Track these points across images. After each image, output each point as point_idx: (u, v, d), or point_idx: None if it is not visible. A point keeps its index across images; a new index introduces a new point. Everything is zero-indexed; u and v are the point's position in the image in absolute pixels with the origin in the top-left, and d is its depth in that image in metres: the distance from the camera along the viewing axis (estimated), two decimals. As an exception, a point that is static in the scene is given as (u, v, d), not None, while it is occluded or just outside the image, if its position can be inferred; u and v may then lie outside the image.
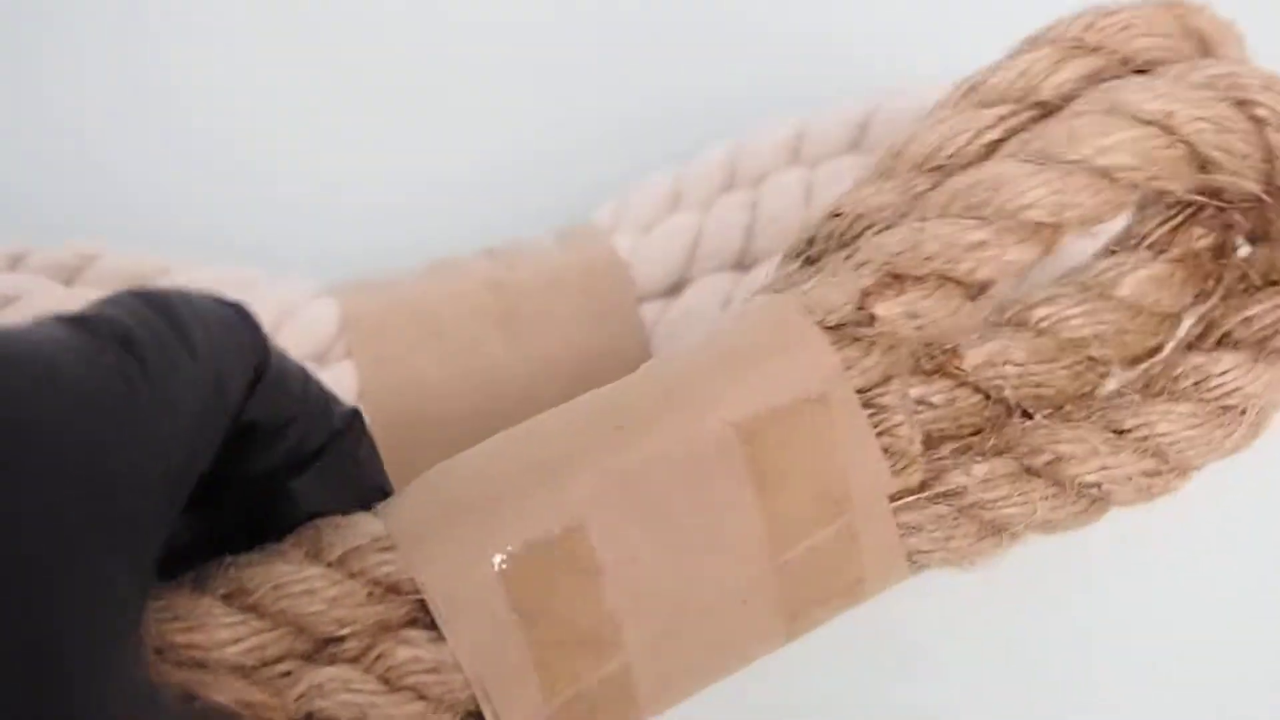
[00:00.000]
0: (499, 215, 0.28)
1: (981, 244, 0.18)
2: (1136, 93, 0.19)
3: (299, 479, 0.17)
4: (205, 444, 0.15)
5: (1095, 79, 0.20)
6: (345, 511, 0.18)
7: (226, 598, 0.16)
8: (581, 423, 0.18)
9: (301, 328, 0.24)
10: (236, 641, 0.16)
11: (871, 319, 0.18)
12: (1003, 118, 0.19)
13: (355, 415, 0.18)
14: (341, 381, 0.24)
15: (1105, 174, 0.18)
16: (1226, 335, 0.20)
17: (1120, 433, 0.20)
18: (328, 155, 0.29)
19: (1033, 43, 0.20)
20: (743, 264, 0.26)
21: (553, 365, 0.25)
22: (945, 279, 0.18)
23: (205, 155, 0.29)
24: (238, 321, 0.16)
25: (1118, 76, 0.20)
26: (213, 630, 0.16)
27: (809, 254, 0.20)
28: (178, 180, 0.28)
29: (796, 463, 0.18)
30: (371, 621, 0.17)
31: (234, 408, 0.15)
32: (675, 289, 0.26)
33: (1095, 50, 0.20)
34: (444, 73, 0.29)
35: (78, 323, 0.14)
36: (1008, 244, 0.18)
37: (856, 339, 0.18)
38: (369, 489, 0.18)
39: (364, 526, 0.17)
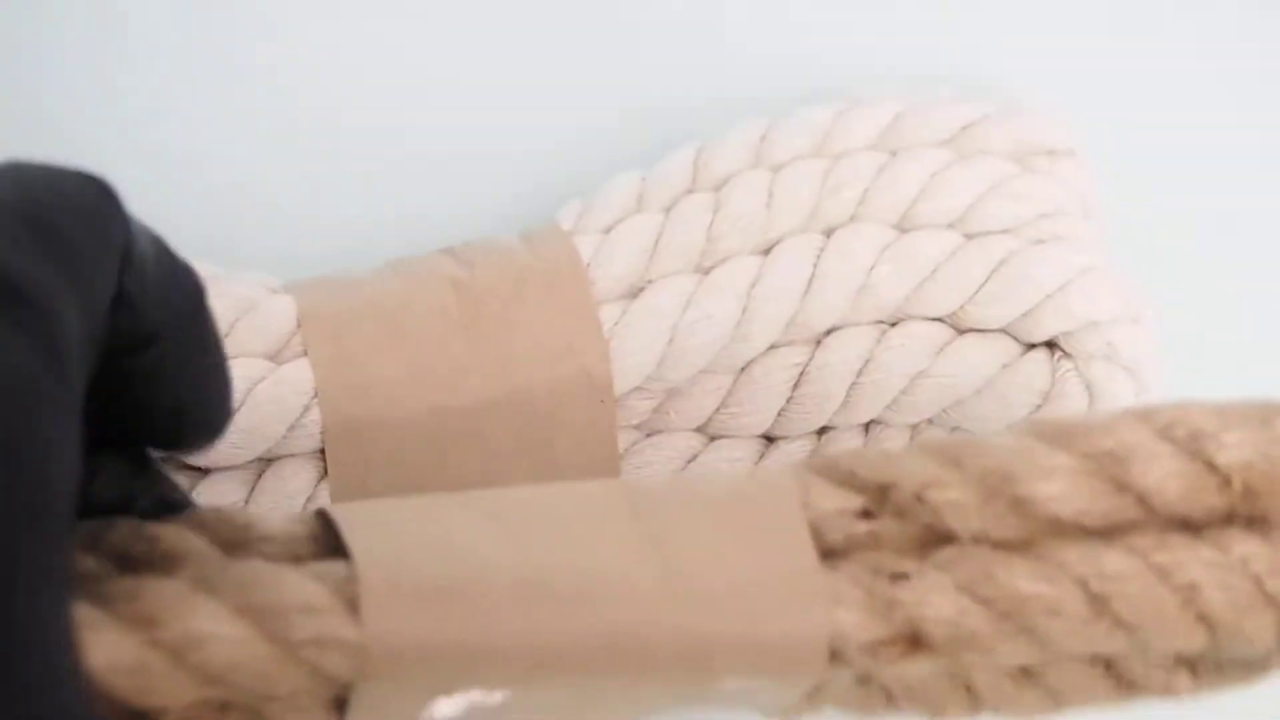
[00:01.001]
0: (464, 214, 0.28)
1: None
2: None
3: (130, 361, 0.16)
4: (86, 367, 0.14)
5: None
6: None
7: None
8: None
9: (258, 324, 0.24)
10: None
11: None
12: None
13: (199, 293, 0.17)
14: (298, 379, 0.24)
15: None
16: None
17: None
18: (290, 152, 0.28)
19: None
20: (702, 266, 0.26)
21: (512, 366, 0.25)
22: None
23: (168, 152, 0.28)
24: (106, 209, 0.15)
25: None
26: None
27: None
28: (139, 174, 0.28)
29: None
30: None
31: (104, 313, 0.14)
32: (635, 290, 0.26)
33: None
34: (411, 71, 0.29)
35: None
36: None
37: None
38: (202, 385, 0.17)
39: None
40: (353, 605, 0.16)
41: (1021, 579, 0.18)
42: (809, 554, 0.18)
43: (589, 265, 0.26)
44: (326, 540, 0.17)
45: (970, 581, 0.18)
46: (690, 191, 0.27)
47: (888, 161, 0.26)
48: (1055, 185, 0.27)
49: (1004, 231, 0.26)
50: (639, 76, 0.29)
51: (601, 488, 0.19)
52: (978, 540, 0.18)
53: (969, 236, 0.26)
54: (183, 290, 0.17)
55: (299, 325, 0.24)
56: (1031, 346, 0.26)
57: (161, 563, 0.16)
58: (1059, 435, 0.18)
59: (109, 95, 0.28)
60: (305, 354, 0.24)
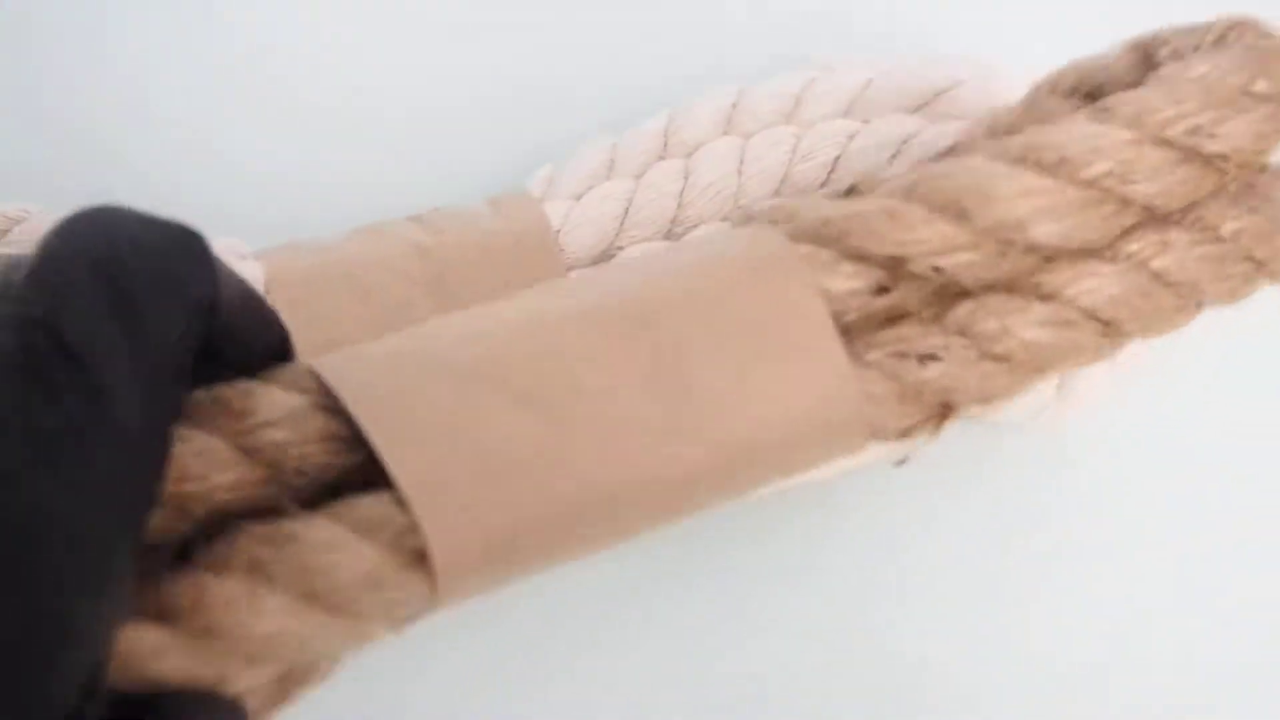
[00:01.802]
0: (432, 181, 0.28)
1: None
2: None
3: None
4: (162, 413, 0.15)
5: None
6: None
7: None
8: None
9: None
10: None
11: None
12: None
13: (284, 340, 0.18)
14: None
15: None
16: None
17: None
18: (260, 120, 0.28)
19: None
20: (673, 233, 0.26)
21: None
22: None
23: (141, 116, 0.28)
24: (188, 267, 0.15)
25: None
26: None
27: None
28: (115, 140, 0.28)
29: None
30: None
31: (183, 360, 0.15)
32: (605, 256, 0.26)
33: None
34: (381, 35, 0.29)
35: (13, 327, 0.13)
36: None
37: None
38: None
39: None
40: (416, 558, 0.16)
41: (1035, 328, 0.18)
42: (839, 357, 0.18)
43: (559, 232, 0.26)
44: (330, 403, 0.17)
45: (990, 345, 0.18)
46: (661, 158, 0.26)
47: (859, 129, 0.26)
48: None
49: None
50: (610, 42, 0.29)
51: (608, 310, 0.18)
52: (990, 289, 0.18)
53: (942, 204, 0.26)
54: (267, 338, 0.18)
55: (267, 290, 0.24)
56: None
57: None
58: (1054, 164, 0.18)
59: (90, 58, 0.28)
60: (271, 318, 0.24)
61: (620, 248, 0.26)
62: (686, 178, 0.26)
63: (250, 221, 0.27)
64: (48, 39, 0.28)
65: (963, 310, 0.19)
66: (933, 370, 0.18)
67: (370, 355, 0.18)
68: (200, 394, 0.17)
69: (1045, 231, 0.18)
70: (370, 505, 0.16)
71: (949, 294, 0.19)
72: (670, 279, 0.18)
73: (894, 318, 0.19)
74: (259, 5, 0.29)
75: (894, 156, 0.26)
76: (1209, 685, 0.28)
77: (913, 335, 0.18)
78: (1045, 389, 0.26)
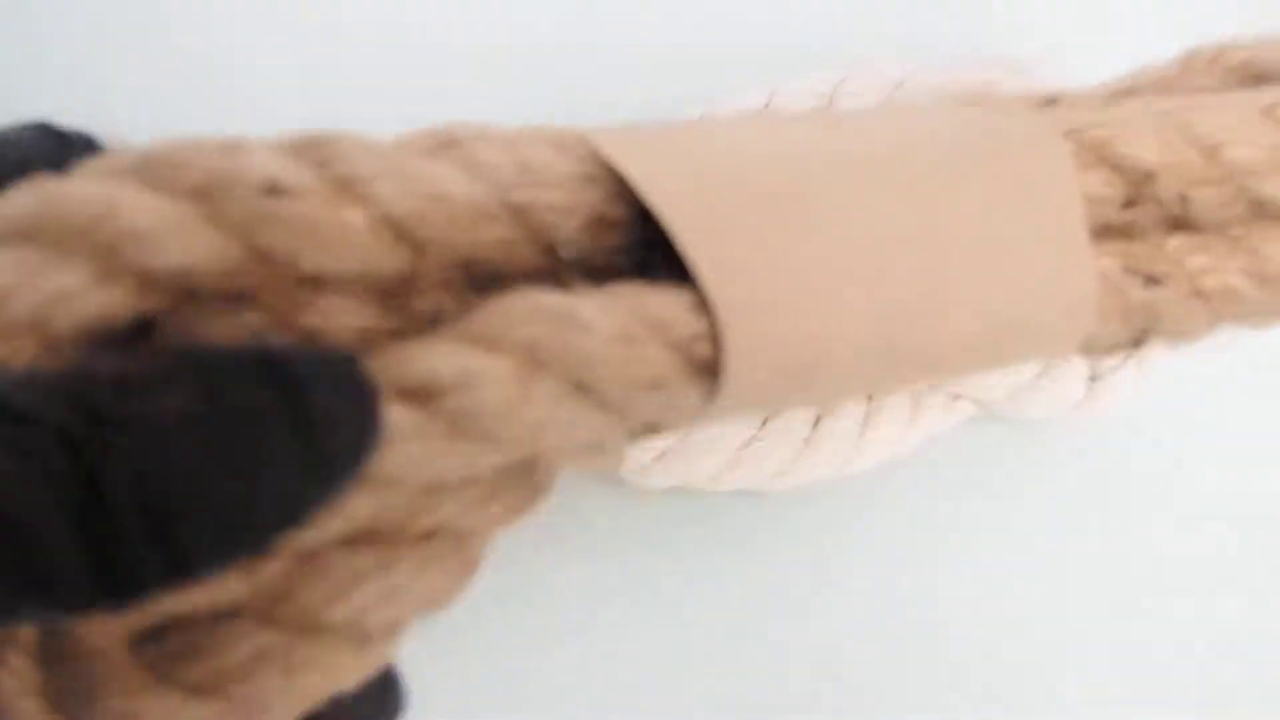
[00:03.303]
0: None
1: None
2: None
3: None
4: None
5: None
6: None
7: None
8: None
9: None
10: None
11: None
12: None
13: None
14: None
15: None
16: None
17: None
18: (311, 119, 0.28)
19: None
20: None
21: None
22: None
23: (170, 50, 0.28)
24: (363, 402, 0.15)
25: None
26: None
27: None
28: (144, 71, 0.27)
29: None
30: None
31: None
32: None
33: None
34: (432, 29, 0.28)
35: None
36: None
37: None
38: None
39: None
40: (704, 367, 0.15)
41: (1240, 275, 0.19)
42: (1088, 256, 0.18)
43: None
44: (601, 175, 0.16)
45: (1201, 281, 0.19)
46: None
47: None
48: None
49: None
50: (643, 38, 0.29)
51: (901, 164, 0.17)
52: (1216, 229, 0.19)
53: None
54: None
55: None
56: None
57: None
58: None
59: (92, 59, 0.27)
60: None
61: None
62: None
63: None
64: (52, 39, 0.28)
65: (1183, 242, 0.19)
66: (1154, 293, 0.19)
67: (659, 144, 0.16)
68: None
69: (1274, 185, 0.19)
70: (665, 302, 0.15)
71: (1173, 224, 0.19)
72: (954, 150, 0.18)
73: (1125, 232, 0.19)
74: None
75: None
76: (1235, 683, 0.28)
77: (1143, 254, 0.19)
78: (1076, 385, 0.27)
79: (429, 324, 0.15)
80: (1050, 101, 0.21)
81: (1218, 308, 0.19)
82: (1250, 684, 0.28)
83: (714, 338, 0.15)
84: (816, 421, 0.26)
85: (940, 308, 0.17)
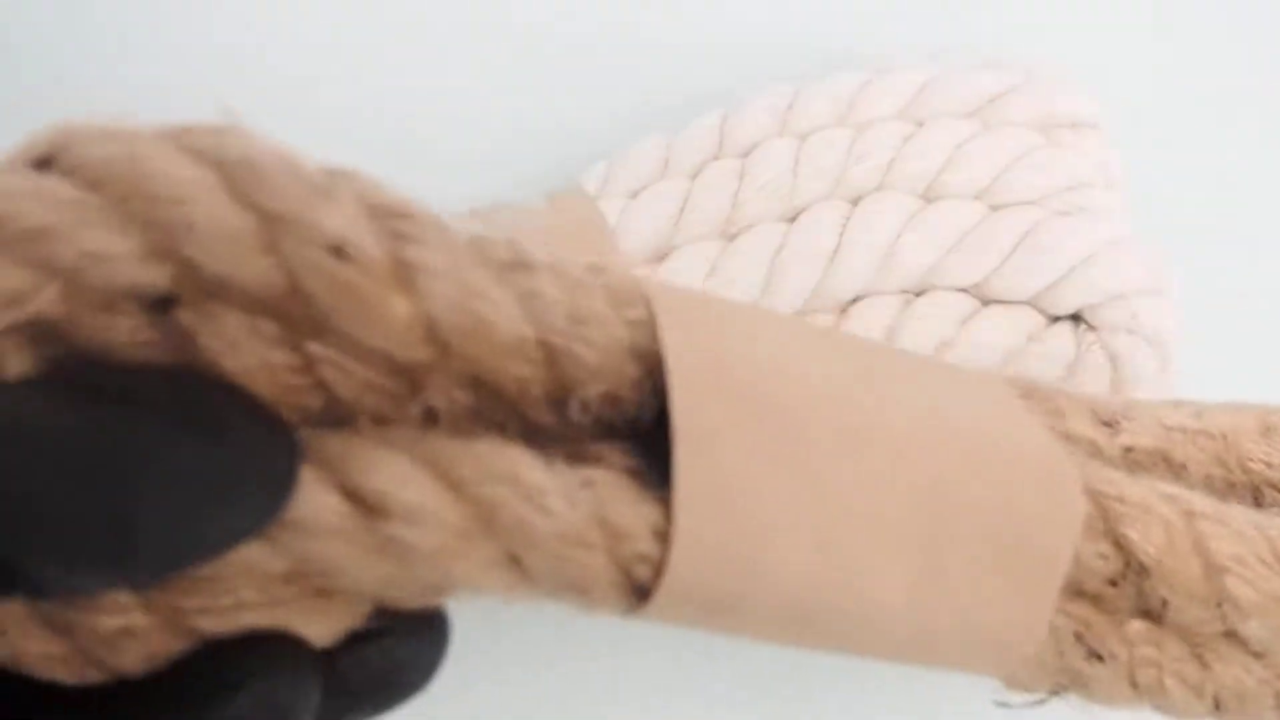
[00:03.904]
0: (488, 178, 0.28)
1: None
2: None
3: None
4: None
5: None
6: None
7: None
8: None
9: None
10: None
11: None
12: None
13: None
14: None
15: None
16: None
17: None
18: (315, 114, 0.28)
19: None
20: (728, 232, 0.26)
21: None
22: None
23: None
24: None
25: None
26: None
27: None
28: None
29: None
30: None
31: None
32: (660, 255, 0.26)
33: None
34: (434, 25, 0.29)
35: None
36: None
37: None
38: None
39: None
40: (636, 590, 0.16)
41: (1173, 679, 0.19)
42: (1049, 607, 0.18)
43: (614, 229, 0.26)
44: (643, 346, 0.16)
45: (1140, 675, 0.19)
46: (716, 158, 0.27)
47: (913, 132, 0.26)
48: (1079, 157, 0.27)
49: (1029, 203, 0.26)
50: (663, 41, 0.29)
51: (904, 445, 0.17)
52: (1180, 632, 0.19)
53: (994, 208, 0.26)
54: None
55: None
56: (1056, 319, 0.26)
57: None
58: None
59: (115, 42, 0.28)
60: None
61: (675, 246, 0.26)
62: (742, 177, 0.26)
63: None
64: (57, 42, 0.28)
65: (1143, 630, 0.19)
66: (1092, 668, 0.19)
67: (709, 331, 0.17)
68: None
69: (1257, 627, 0.19)
70: (631, 517, 0.15)
71: (1143, 613, 0.19)
72: (975, 451, 0.18)
73: (1094, 600, 0.19)
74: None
75: (948, 161, 0.26)
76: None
77: (1099, 628, 0.19)
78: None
79: (418, 414, 0.15)
80: (1109, 425, 0.20)
81: (1143, 698, 0.19)
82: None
83: (659, 567, 0.15)
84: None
85: (880, 595, 0.17)
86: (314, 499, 0.14)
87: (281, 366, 0.14)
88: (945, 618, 0.17)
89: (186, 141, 0.13)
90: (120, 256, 0.13)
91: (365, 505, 0.14)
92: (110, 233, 0.13)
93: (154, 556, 0.13)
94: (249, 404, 0.14)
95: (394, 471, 0.14)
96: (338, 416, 0.15)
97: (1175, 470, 0.20)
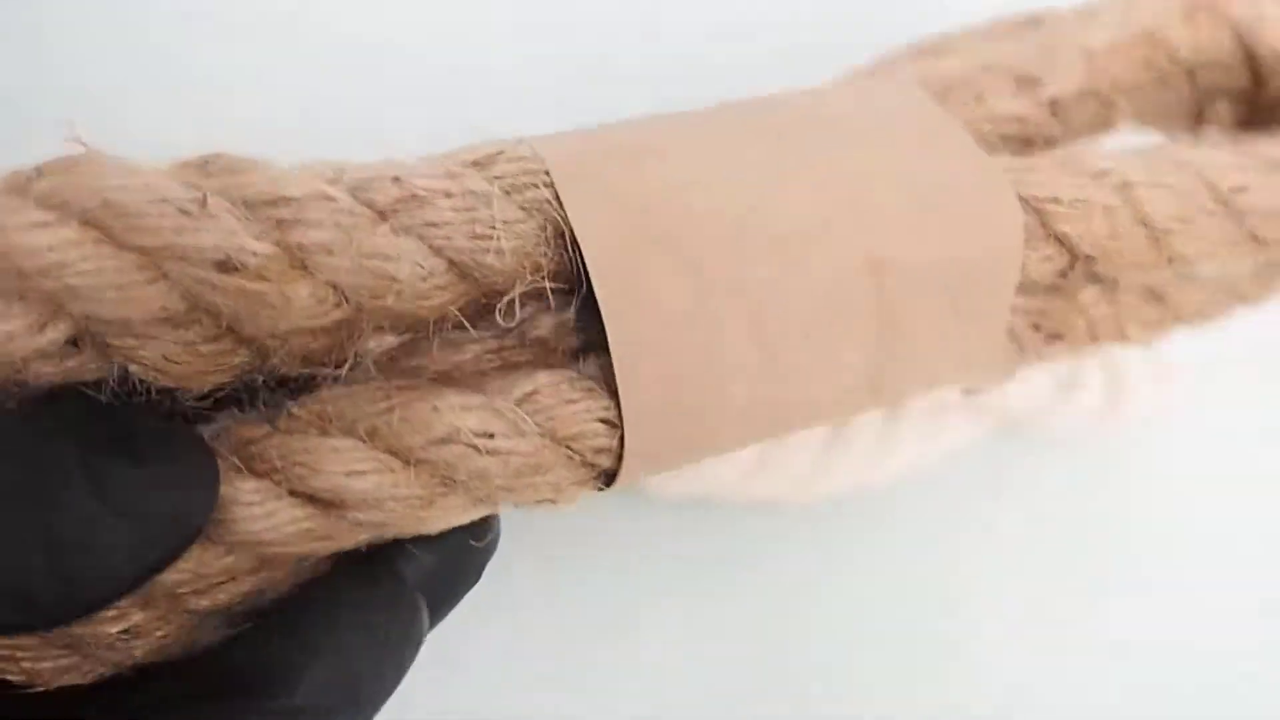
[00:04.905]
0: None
1: None
2: None
3: None
4: None
5: None
6: None
7: None
8: None
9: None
10: None
11: None
12: None
13: None
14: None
15: None
16: None
17: None
18: (315, 118, 0.28)
19: None
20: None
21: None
22: None
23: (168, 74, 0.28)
24: None
25: None
26: None
27: None
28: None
29: None
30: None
31: None
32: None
33: None
34: (435, 33, 0.29)
35: None
36: None
37: None
38: None
39: None
40: (598, 471, 0.16)
41: (1133, 326, 0.20)
42: (1004, 320, 0.18)
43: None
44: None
45: (1098, 331, 0.19)
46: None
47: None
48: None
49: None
50: (663, 42, 0.29)
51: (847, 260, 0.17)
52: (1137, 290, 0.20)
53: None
54: None
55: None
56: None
57: None
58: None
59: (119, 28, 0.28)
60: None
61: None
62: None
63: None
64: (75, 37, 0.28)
65: (1096, 295, 0.19)
66: (1052, 347, 0.19)
67: (608, 187, 0.16)
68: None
69: (1211, 269, 0.19)
70: (581, 415, 0.16)
71: (1095, 281, 0.19)
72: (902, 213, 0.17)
73: (1049, 290, 0.19)
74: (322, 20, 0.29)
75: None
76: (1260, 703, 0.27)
77: (1053, 311, 0.19)
78: (1095, 396, 0.26)
79: (352, 359, 0.15)
80: (1031, 82, 0.20)
81: (1107, 345, 0.19)
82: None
83: (618, 449, 0.16)
84: (835, 432, 0.26)
85: (839, 380, 0.17)
86: (272, 514, 0.14)
87: (209, 353, 0.14)
88: (907, 371, 0.17)
89: (41, 194, 0.13)
90: (14, 334, 0.13)
91: (322, 503, 0.14)
92: (4, 318, 0.13)
93: (53, 608, 0.13)
94: (167, 434, 0.14)
95: (341, 462, 0.14)
96: (277, 380, 0.15)
97: (1106, 105, 0.20)
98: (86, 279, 0.13)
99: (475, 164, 0.15)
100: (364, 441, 0.15)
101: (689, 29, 0.30)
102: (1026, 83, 0.19)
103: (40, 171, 0.13)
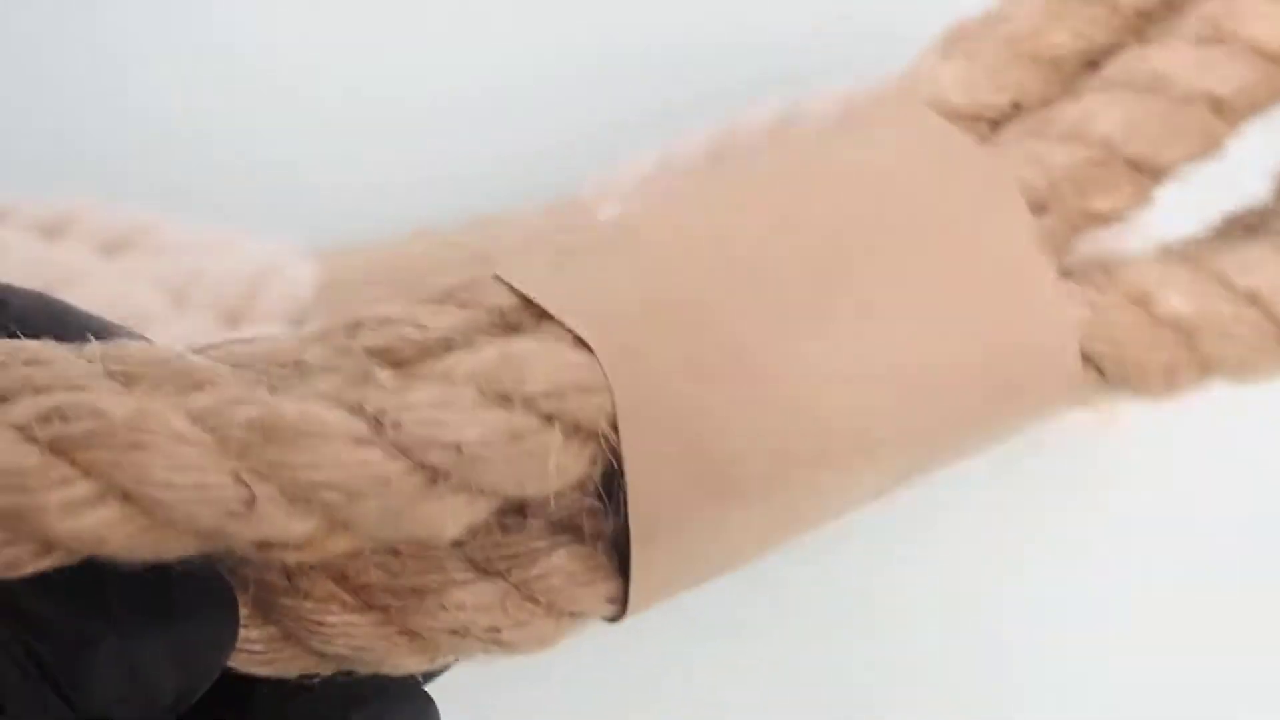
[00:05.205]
0: (484, 187, 0.28)
1: None
2: None
3: None
4: None
5: None
6: None
7: None
8: None
9: (280, 289, 0.24)
10: None
11: None
12: None
13: None
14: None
15: None
16: None
17: None
18: (319, 126, 0.29)
19: None
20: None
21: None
22: None
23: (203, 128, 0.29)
24: None
25: None
26: None
27: None
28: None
29: None
30: None
31: None
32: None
33: None
34: (433, 37, 0.29)
35: None
36: None
37: None
38: None
39: None
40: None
41: None
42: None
43: (611, 237, 0.26)
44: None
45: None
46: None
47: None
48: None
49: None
50: (661, 46, 0.29)
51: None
52: None
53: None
54: None
55: (321, 292, 0.25)
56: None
57: None
58: None
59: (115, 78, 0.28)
60: (327, 320, 0.24)
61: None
62: (740, 185, 0.26)
63: (306, 225, 0.27)
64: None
65: None
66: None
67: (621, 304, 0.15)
68: None
69: None
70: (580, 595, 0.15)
71: None
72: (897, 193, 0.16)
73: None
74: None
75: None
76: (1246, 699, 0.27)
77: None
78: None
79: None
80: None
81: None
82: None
83: (622, 605, 0.16)
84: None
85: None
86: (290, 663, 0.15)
87: None
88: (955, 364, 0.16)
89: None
90: None
91: (330, 660, 0.15)
92: None
93: None
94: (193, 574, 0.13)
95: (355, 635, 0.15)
96: None
97: None
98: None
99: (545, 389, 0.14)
100: (377, 626, 0.15)
101: (689, 29, 0.30)
102: None
103: None
